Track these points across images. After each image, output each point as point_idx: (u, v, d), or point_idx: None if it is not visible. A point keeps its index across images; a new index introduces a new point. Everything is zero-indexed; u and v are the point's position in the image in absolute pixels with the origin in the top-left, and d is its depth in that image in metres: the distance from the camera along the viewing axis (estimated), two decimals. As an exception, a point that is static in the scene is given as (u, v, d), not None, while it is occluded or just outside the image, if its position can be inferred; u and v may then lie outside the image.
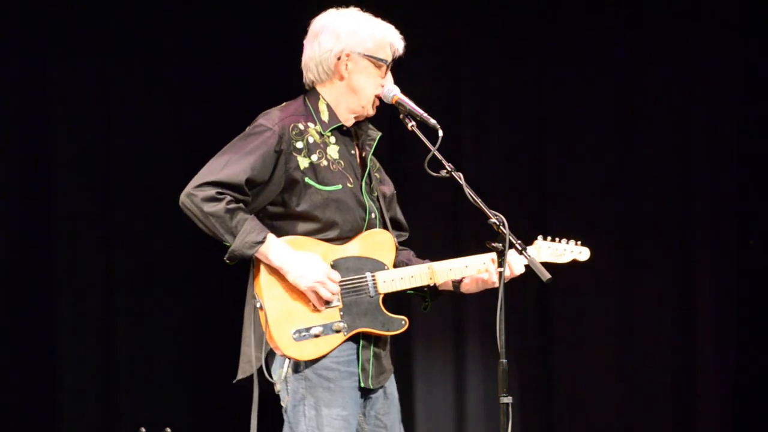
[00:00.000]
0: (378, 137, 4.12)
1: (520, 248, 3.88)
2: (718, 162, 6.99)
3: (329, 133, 4.02)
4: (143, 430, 6.10)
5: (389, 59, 4.08)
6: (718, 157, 6.99)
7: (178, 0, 6.65)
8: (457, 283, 4.15)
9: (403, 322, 4.00)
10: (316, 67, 4.06)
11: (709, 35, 7.00)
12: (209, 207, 3.84)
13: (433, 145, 3.91)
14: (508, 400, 3.76)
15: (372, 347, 3.99)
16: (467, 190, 3.90)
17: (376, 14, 6.86)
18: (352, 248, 3.97)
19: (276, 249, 3.86)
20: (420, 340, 6.84)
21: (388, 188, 4.20)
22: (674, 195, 7.00)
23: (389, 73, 4.09)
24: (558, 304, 6.94)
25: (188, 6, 6.65)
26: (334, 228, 3.95)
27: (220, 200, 3.84)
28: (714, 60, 7.00)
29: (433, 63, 6.90)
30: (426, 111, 4.01)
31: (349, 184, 4.00)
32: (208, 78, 6.64)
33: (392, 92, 4.04)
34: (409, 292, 4.15)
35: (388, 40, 4.09)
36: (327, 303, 3.91)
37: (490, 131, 6.96)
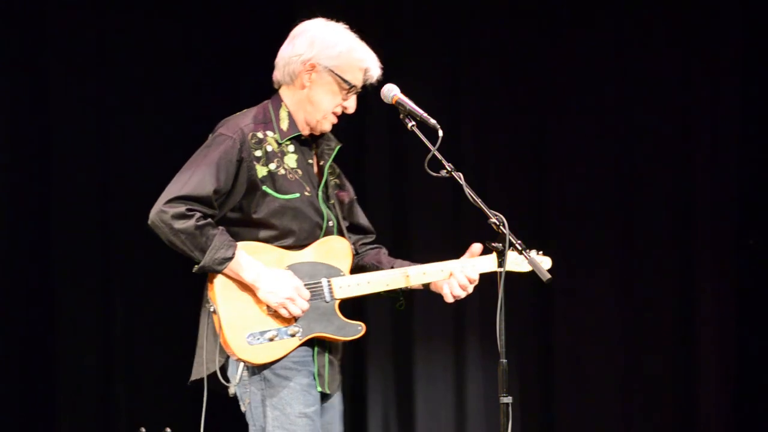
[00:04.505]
0: (337, 148, 4.14)
1: (520, 248, 3.88)
2: (718, 162, 6.98)
3: (287, 142, 4.03)
4: (143, 430, 6.10)
5: (358, 84, 4.05)
6: (718, 157, 6.98)
7: (181, 4, 6.67)
8: (426, 283, 4.16)
9: (359, 328, 4.01)
10: (283, 67, 4.07)
11: (710, 35, 7.00)
12: (180, 224, 3.86)
13: (433, 145, 3.91)
14: (508, 400, 3.75)
15: (327, 354, 4.01)
16: (467, 190, 3.89)
17: (379, 13, 6.92)
18: (308, 254, 3.99)
19: (247, 266, 3.88)
20: (420, 340, 6.83)
21: (347, 194, 4.22)
22: (674, 195, 7.00)
23: (354, 97, 4.07)
24: (558, 304, 6.94)
25: (190, 11, 6.67)
26: (291, 236, 3.97)
27: (190, 217, 3.86)
28: (714, 61, 7.00)
29: (434, 63, 6.90)
30: (426, 111, 4.01)
31: (306, 193, 4.01)
32: (209, 79, 6.64)
33: (392, 92, 4.04)
34: (381, 293, 4.14)
35: (363, 65, 4.05)
36: (294, 318, 3.92)
37: (490, 131, 6.96)
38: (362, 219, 4.26)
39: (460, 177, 3.92)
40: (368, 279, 4.04)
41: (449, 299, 4.13)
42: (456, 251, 6.55)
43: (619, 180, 7.00)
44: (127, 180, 6.52)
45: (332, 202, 4.10)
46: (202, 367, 3.96)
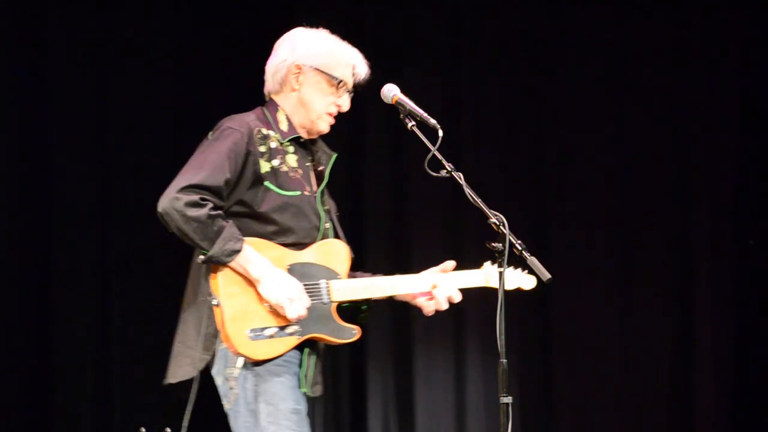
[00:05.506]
0: (335, 157, 4.18)
1: (520, 248, 3.88)
2: (718, 162, 6.99)
3: (288, 143, 4.07)
4: (143, 430, 6.10)
5: (347, 80, 4.11)
6: (717, 157, 6.99)
7: (180, 4, 6.67)
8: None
9: (354, 332, 4.04)
10: (272, 76, 4.14)
11: (710, 34, 7.00)
12: (193, 212, 3.83)
13: (433, 145, 3.92)
14: (508, 400, 3.75)
15: (315, 356, 4.03)
16: (467, 190, 3.90)
17: (379, 13, 6.92)
18: (308, 255, 4.01)
19: (254, 261, 3.88)
20: (420, 340, 6.83)
21: (332, 209, 4.23)
22: (674, 195, 7.00)
23: (347, 96, 4.12)
24: (558, 304, 6.94)
25: (190, 11, 6.67)
26: (290, 233, 3.99)
27: (203, 206, 3.85)
28: (714, 60, 7.01)
29: (434, 63, 6.90)
30: (426, 111, 4.01)
31: (306, 192, 4.04)
32: (209, 79, 6.64)
33: (392, 92, 4.06)
34: (345, 305, 4.17)
35: (349, 61, 4.12)
36: (291, 320, 3.93)
37: (490, 131, 6.96)
38: (341, 235, 4.26)
39: (460, 177, 3.93)
40: (365, 284, 4.09)
41: (430, 312, 4.19)
42: (456, 251, 6.56)
43: (618, 180, 7.00)
44: (126, 179, 6.51)
45: (327, 207, 4.13)
46: (192, 367, 3.99)
